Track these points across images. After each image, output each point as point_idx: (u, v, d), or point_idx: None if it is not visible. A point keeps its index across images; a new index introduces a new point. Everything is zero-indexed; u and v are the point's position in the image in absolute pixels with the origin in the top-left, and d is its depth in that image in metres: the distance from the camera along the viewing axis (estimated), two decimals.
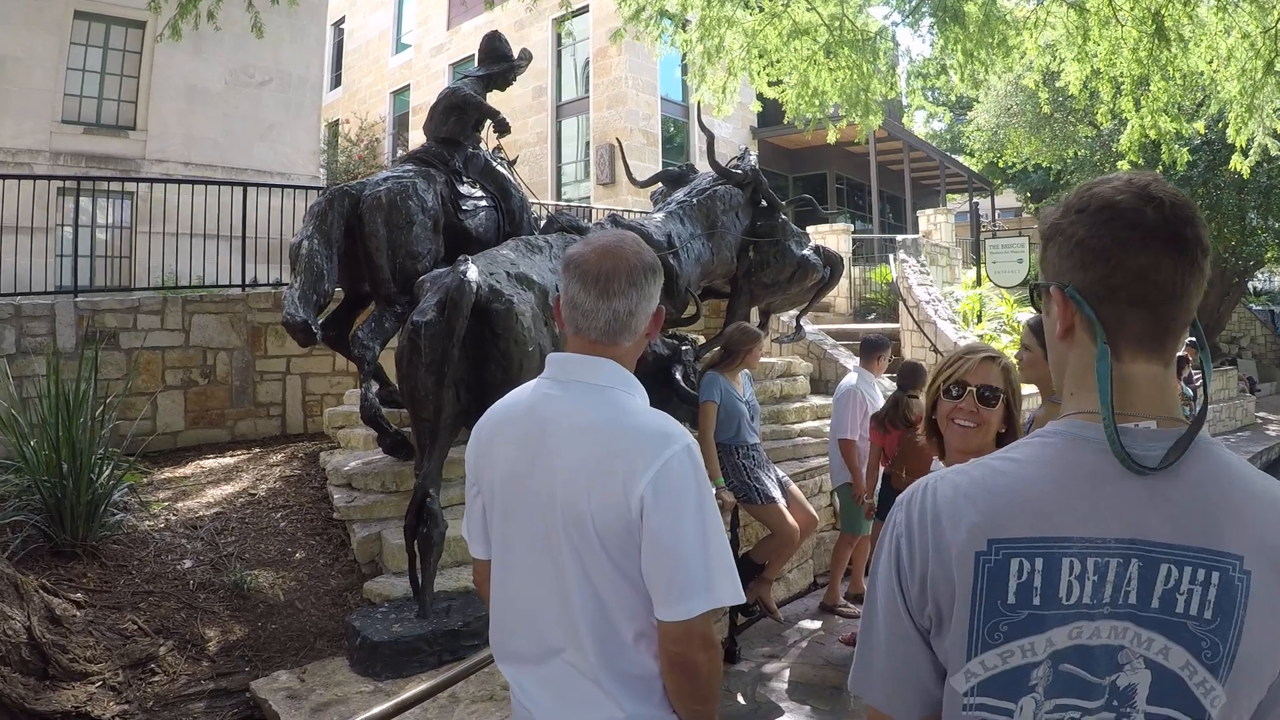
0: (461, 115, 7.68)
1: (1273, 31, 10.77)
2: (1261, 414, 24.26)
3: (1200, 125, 13.28)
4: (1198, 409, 1.31)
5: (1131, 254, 1.32)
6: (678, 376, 7.09)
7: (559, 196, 25.28)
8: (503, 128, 7.81)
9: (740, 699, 6.17)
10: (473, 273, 5.35)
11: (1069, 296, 1.39)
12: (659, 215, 8.24)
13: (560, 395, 2.15)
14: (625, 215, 10.90)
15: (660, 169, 12.16)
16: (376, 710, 3.72)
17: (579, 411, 2.11)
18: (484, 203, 7.56)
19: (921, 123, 42.86)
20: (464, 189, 7.49)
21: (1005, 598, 1.29)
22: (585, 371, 2.16)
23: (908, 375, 7.25)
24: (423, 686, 3.84)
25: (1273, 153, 13.07)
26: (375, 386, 7.23)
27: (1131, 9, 10.66)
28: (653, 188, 9.54)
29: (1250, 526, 1.28)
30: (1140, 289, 1.33)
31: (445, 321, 5.19)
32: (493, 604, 2.28)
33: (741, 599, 2.09)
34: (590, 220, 8.76)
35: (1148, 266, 1.32)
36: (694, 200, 8.38)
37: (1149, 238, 1.32)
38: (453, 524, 5.87)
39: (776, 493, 6.78)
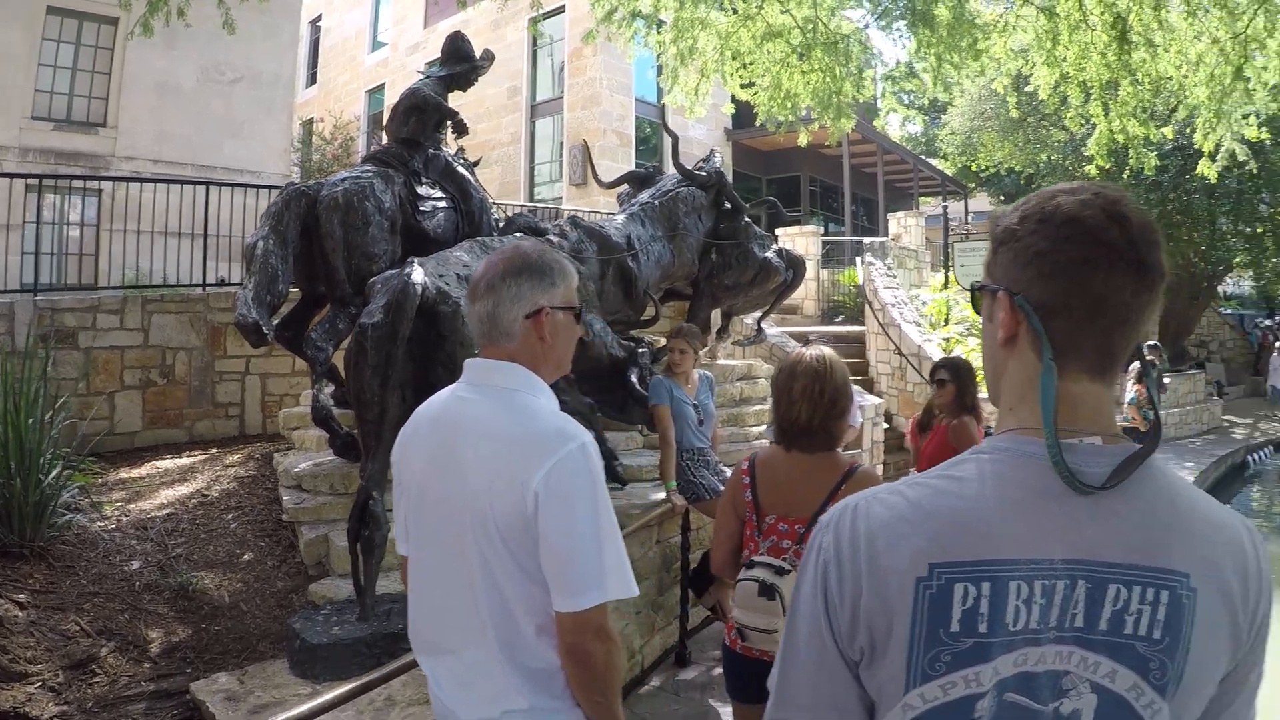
0: (422, 116, 7.64)
1: (1242, 37, 10.82)
2: (1228, 417, 24.52)
3: (1169, 130, 13.33)
4: (1150, 430, 1.25)
5: (1094, 274, 1.28)
6: (633, 379, 7.09)
7: (532, 197, 25.34)
8: (460, 129, 7.78)
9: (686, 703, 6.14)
10: (417, 274, 5.33)
11: (1018, 306, 1.34)
12: (620, 217, 8.26)
13: (471, 398, 2.28)
14: (594, 217, 10.87)
15: (641, 169, 12.19)
16: (299, 710, 3.66)
17: (484, 413, 2.23)
18: (443, 204, 7.53)
19: (897, 126, 43.09)
20: (423, 190, 7.45)
21: (948, 626, 1.23)
22: (493, 375, 2.29)
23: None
24: (347, 686, 3.78)
25: (1240, 158, 13.15)
26: (331, 388, 7.20)
27: (1101, 14, 10.70)
28: (620, 189, 9.54)
29: (1195, 544, 1.26)
30: (1097, 310, 1.29)
31: (390, 324, 5.17)
32: (410, 599, 2.39)
33: (634, 592, 2.18)
34: (554, 221, 8.72)
35: (1108, 288, 1.28)
36: (656, 202, 8.42)
37: (1114, 259, 1.28)
38: None
39: (724, 488, 6.77)
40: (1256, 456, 20.93)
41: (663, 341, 8.63)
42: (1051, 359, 1.30)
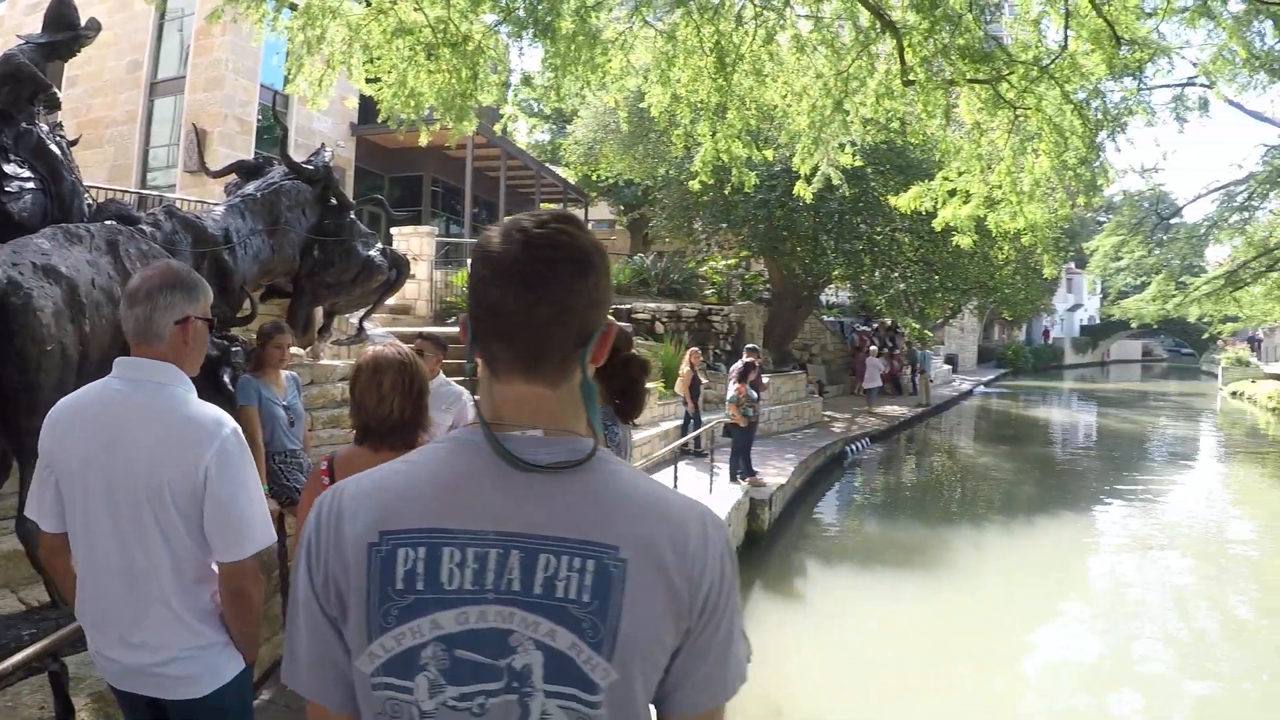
0: (15, 86, 7.09)
1: (845, 75, 11.77)
2: (829, 413, 26.78)
3: (770, 153, 14.37)
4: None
5: (488, 290, 1.45)
6: (225, 379, 6.89)
7: (145, 183, 23.39)
8: (53, 103, 7.32)
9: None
10: None
11: (465, 322, 1.52)
12: (220, 209, 7.98)
13: (128, 391, 2.77)
14: (198, 206, 10.45)
15: (251, 159, 11.77)
16: None
17: (147, 404, 2.75)
18: (31, 185, 7.00)
19: (525, 133, 43.72)
20: (10, 169, 6.90)
21: (394, 584, 1.40)
22: (150, 372, 2.79)
23: None
24: None
25: (834, 183, 14.37)
26: None
27: (713, 41, 11.38)
28: (229, 178, 9.24)
29: (629, 524, 1.43)
30: (494, 322, 1.46)
31: None
32: (79, 574, 2.85)
33: (274, 540, 2.87)
34: (149, 209, 8.24)
35: (497, 302, 1.44)
36: (258, 194, 8.18)
37: (500, 276, 1.44)
38: (4, 538, 5.46)
39: None
40: (853, 447, 23.26)
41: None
42: (472, 363, 1.54)
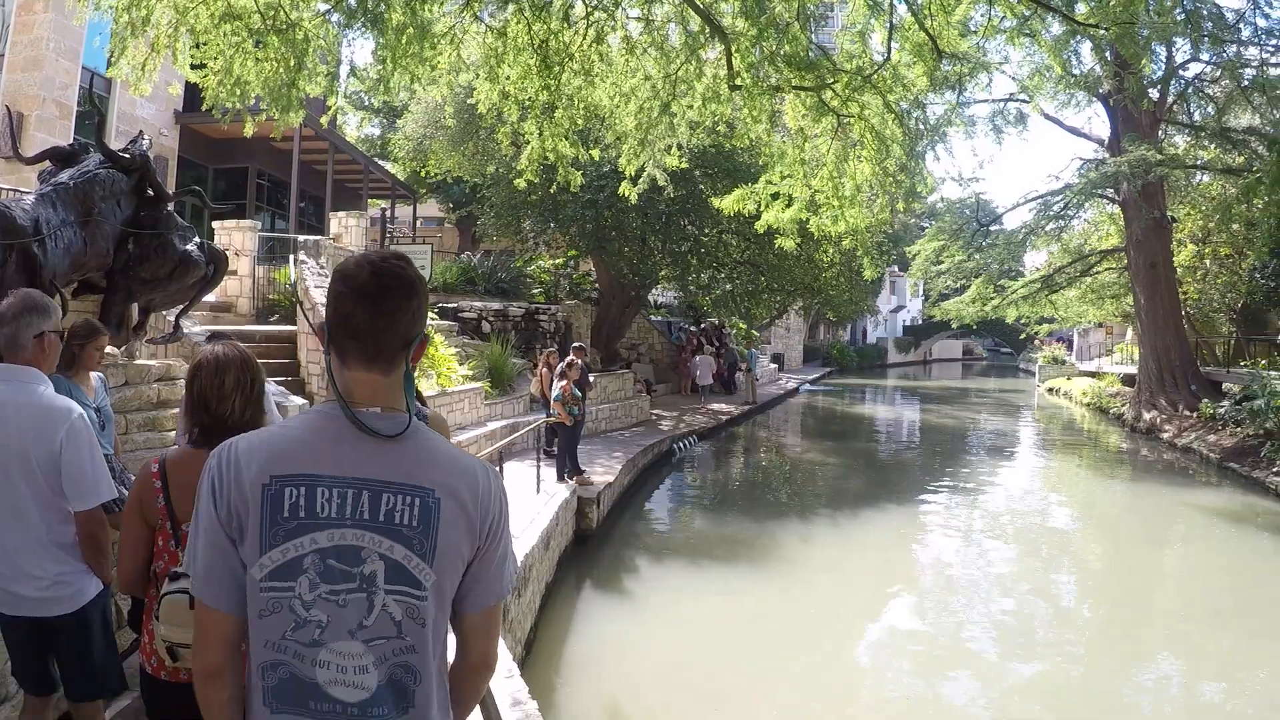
0: None
1: (673, 78, 11.97)
2: (657, 411, 27.19)
3: (595, 152, 14.52)
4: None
5: (344, 304, 2.07)
6: None
7: None
8: None
9: None
10: None
11: (324, 329, 2.12)
12: (30, 198, 7.53)
13: (5, 390, 3.68)
14: (11, 195, 9.89)
15: (67, 145, 11.16)
16: None
17: (19, 396, 3.67)
18: None
19: (355, 126, 43.04)
20: None
21: (282, 513, 2.00)
22: (19, 374, 3.74)
23: None
24: None
25: (661, 184, 14.59)
26: None
27: (543, 39, 11.43)
28: (43, 165, 8.82)
29: (439, 473, 2.10)
30: (347, 327, 2.08)
31: None
32: None
33: (115, 494, 3.92)
34: None
35: (350, 313, 2.07)
36: (71, 184, 7.78)
37: (353, 294, 2.06)
38: None
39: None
40: (681, 445, 23.65)
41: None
42: (328, 354, 2.13)
